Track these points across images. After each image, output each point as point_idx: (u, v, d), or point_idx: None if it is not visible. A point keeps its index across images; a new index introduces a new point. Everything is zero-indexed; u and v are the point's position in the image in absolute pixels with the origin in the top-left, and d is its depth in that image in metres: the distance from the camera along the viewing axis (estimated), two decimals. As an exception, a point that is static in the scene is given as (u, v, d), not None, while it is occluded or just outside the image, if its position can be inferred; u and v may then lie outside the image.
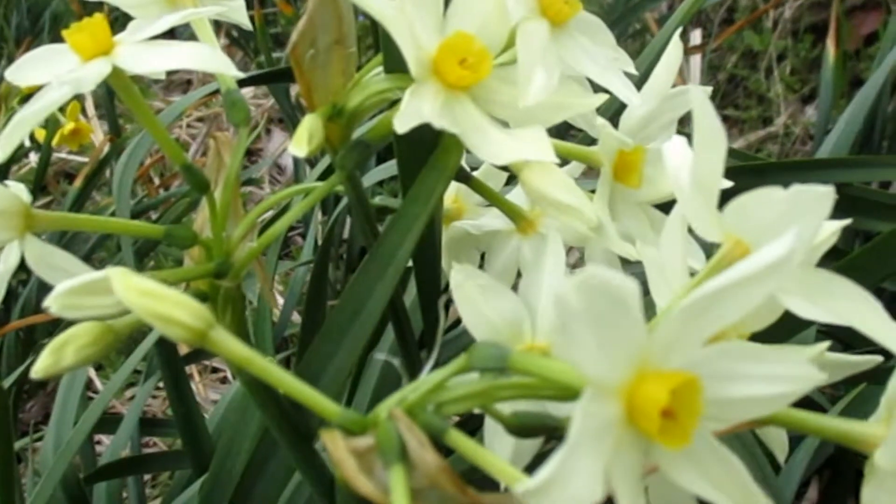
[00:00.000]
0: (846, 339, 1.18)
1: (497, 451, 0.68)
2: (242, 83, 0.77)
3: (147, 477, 1.98)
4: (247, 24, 0.81)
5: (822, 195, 0.54)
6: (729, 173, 0.61)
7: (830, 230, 0.63)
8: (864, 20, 3.06)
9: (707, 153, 0.57)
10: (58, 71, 0.67)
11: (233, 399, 1.54)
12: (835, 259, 1.05)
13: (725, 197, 0.58)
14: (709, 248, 0.61)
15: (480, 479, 0.53)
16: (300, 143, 0.68)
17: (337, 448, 0.55)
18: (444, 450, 0.54)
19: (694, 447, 0.48)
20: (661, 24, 2.68)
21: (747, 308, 0.46)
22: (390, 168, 1.46)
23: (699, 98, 0.57)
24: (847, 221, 0.65)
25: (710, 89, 0.77)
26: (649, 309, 0.60)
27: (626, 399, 0.46)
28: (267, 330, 1.34)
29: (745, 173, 1.51)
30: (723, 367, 0.48)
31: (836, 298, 0.58)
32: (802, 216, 0.54)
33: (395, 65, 0.71)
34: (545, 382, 0.52)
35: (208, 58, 0.68)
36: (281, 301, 2.09)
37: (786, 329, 0.61)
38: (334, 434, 0.55)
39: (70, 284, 0.60)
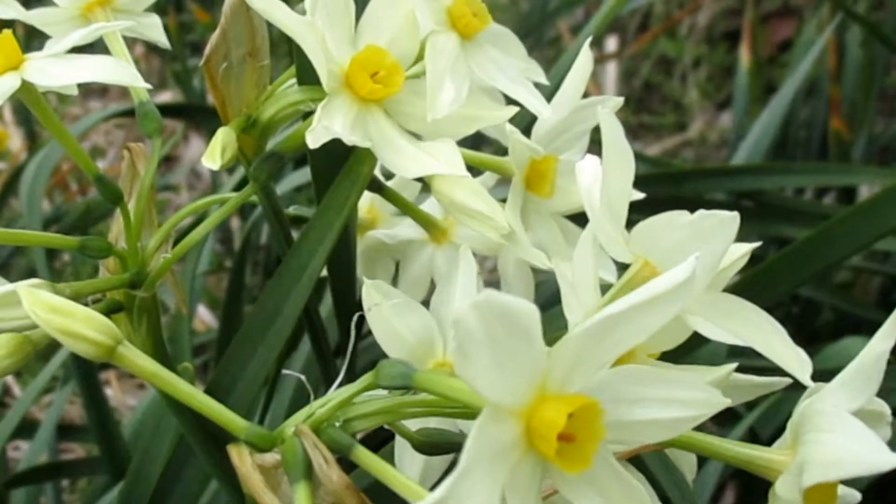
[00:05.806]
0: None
1: (406, 469, 0.68)
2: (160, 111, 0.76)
3: (65, 483, 1.96)
4: (164, 42, 0.81)
5: (727, 220, 0.55)
6: (646, 180, 0.62)
7: (740, 253, 0.63)
8: (779, 27, 3.09)
9: (616, 176, 0.58)
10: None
11: (150, 405, 1.53)
12: (750, 265, 1.06)
13: (644, 203, 0.58)
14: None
15: (389, 496, 0.53)
16: (213, 156, 0.68)
17: (243, 463, 0.55)
18: (351, 463, 0.54)
19: (594, 470, 0.48)
20: (576, 33, 2.70)
21: (648, 332, 0.46)
22: (307, 173, 1.45)
23: (608, 120, 0.58)
24: (756, 245, 0.65)
25: (621, 100, 0.77)
26: (561, 318, 0.61)
27: (524, 421, 0.46)
28: (184, 337, 1.33)
29: (662, 180, 1.53)
30: (624, 391, 0.48)
31: (741, 323, 0.59)
32: (707, 241, 0.55)
33: (309, 77, 0.71)
34: (449, 401, 0.52)
35: (117, 71, 0.67)
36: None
37: (694, 340, 0.62)
38: (241, 448, 0.55)
39: (-18, 297, 0.59)
